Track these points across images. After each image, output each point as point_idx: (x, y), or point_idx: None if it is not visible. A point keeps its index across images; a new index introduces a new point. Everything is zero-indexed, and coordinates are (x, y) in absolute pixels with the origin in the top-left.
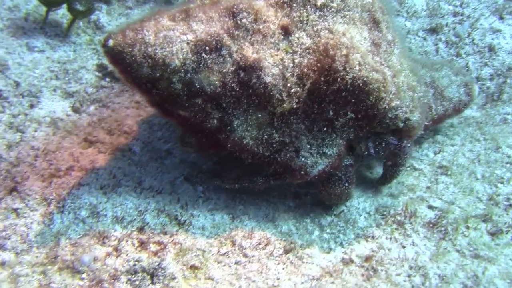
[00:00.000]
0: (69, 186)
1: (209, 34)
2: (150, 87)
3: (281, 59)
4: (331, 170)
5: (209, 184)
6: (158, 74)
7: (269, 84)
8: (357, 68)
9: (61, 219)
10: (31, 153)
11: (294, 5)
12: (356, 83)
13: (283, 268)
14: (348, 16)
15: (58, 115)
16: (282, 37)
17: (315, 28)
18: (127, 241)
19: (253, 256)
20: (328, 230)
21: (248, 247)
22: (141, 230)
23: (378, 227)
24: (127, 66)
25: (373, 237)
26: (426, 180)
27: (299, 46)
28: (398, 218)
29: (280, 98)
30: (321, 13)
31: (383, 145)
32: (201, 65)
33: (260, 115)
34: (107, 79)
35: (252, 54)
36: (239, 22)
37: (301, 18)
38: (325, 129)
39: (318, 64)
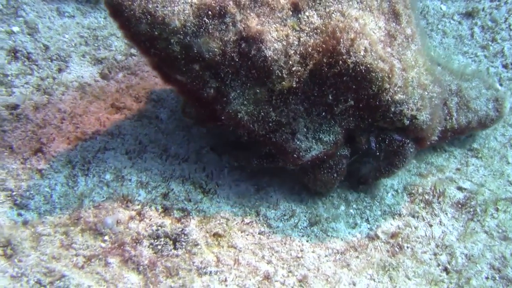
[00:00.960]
0: (95, 150)
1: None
2: (148, 46)
3: (286, 35)
4: (324, 157)
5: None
6: (156, 33)
7: (269, 58)
8: (362, 53)
9: (85, 182)
10: (58, 116)
11: None
12: (359, 69)
13: (307, 240)
14: (365, 3)
15: (86, 80)
16: (291, 13)
17: (327, 10)
18: (150, 206)
19: (277, 227)
20: (354, 206)
21: (272, 217)
22: (165, 196)
23: (405, 205)
24: (125, 20)
25: (400, 215)
26: (456, 162)
27: (307, 25)
28: (426, 197)
29: (280, 75)
30: None
31: (386, 142)
32: (201, 29)
33: (258, 91)
34: None
35: (256, 25)
36: None
37: None
38: (323, 114)
39: (323, 45)
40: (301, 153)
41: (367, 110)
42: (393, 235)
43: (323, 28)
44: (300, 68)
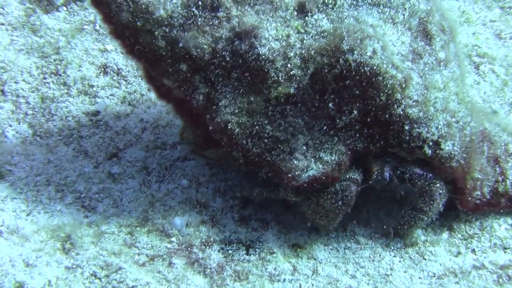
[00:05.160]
0: (174, 158)
1: None
2: (132, 41)
3: (287, 35)
4: (324, 179)
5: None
6: (139, 24)
7: (263, 57)
8: (368, 54)
9: (159, 187)
10: (139, 125)
11: None
12: (363, 70)
13: (399, 261)
14: (387, 14)
15: None
16: (296, 14)
17: (340, 15)
18: (226, 214)
19: (366, 244)
20: (459, 236)
21: (362, 234)
22: (244, 206)
23: None
24: (106, 7)
25: None
26: None
27: (314, 28)
28: None
29: (276, 78)
30: (354, 1)
31: (407, 176)
32: (190, 22)
33: (252, 99)
34: None
35: (252, 21)
36: None
37: (327, 1)
38: (325, 128)
39: (327, 47)
40: (297, 173)
41: (377, 127)
42: (503, 267)
43: (331, 31)
44: (299, 71)
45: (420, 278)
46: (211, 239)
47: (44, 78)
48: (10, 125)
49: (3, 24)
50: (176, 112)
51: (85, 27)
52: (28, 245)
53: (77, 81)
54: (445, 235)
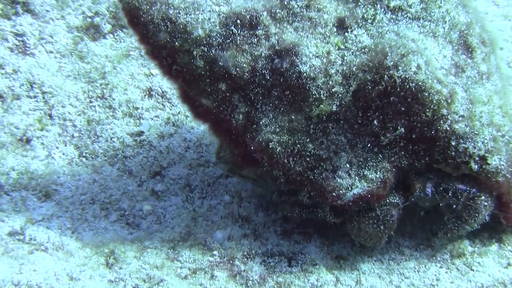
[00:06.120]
0: (217, 175)
1: (245, 9)
2: (170, 61)
3: (327, 52)
4: (369, 197)
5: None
6: (177, 44)
7: (305, 74)
8: (413, 69)
9: (202, 203)
10: (183, 145)
11: (361, 0)
12: (408, 87)
13: (446, 272)
14: (428, 27)
15: None
16: (335, 30)
17: (380, 30)
18: (269, 228)
19: (411, 255)
20: (509, 247)
21: (406, 246)
22: (286, 220)
23: None
24: (143, 28)
25: None
26: None
27: (354, 44)
28: None
29: (318, 96)
30: (393, 16)
31: (450, 193)
32: (228, 40)
33: (293, 117)
34: None
35: (292, 39)
36: (286, 3)
37: (366, 16)
38: (369, 145)
39: (370, 63)
40: (341, 191)
41: (422, 143)
42: None
43: (373, 47)
44: (341, 89)
45: None
46: (253, 252)
47: (90, 101)
48: (57, 147)
49: (51, 52)
50: (213, 132)
51: (131, 53)
52: (73, 260)
53: (122, 104)
54: (494, 246)
